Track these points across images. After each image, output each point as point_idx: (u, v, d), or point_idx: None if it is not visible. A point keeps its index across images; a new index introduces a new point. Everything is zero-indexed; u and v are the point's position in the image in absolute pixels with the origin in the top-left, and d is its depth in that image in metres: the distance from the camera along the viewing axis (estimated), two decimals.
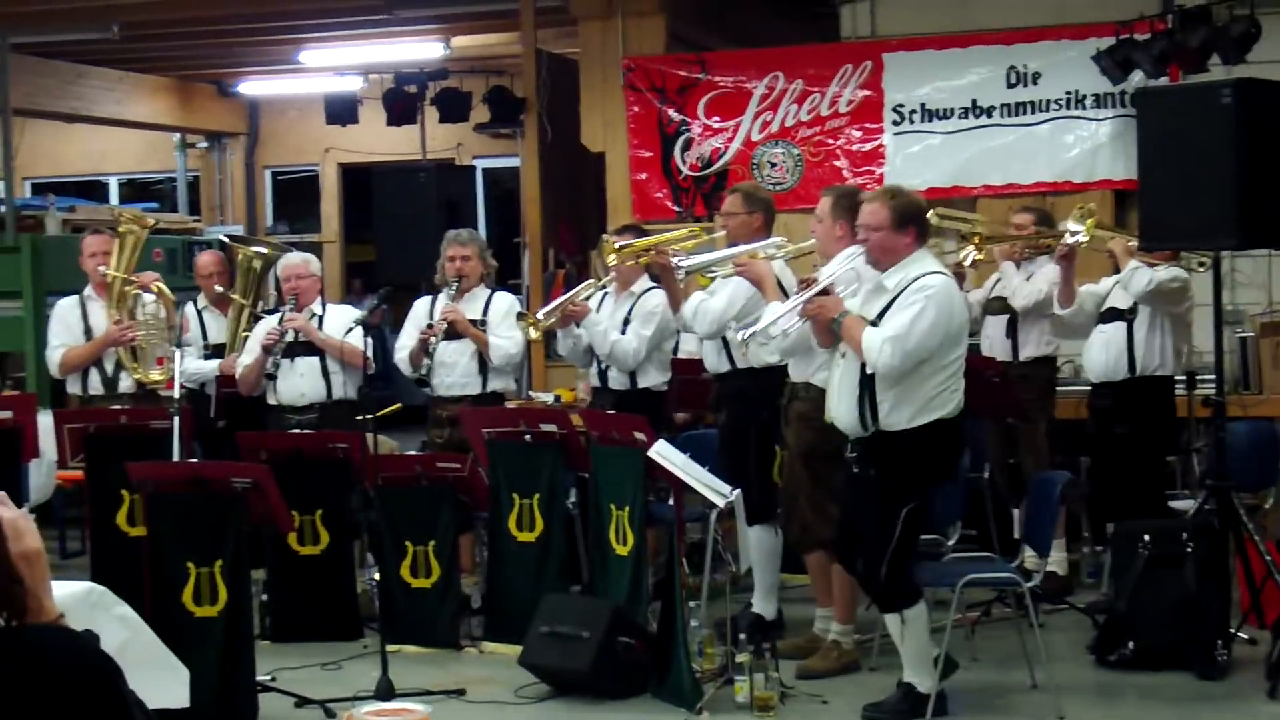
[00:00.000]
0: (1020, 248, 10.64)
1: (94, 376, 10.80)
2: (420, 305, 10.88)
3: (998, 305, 10.76)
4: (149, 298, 10.83)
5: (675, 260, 9.09)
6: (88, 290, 10.95)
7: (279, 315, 10.82)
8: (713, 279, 9.27)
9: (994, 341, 10.73)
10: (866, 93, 13.31)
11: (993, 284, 10.93)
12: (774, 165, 13.53)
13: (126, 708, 3.05)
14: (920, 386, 7.71)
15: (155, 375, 10.63)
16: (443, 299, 10.68)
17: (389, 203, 15.69)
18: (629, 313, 10.27)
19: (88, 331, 10.85)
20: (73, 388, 11.04)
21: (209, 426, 11.03)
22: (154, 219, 11.30)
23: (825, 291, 8.04)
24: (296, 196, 22.89)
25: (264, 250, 11.82)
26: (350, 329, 10.46)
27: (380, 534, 9.83)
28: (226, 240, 13.32)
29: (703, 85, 13.77)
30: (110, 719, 3.02)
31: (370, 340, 9.71)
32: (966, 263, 10.47)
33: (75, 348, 10.79)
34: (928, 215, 8.13)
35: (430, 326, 10.58)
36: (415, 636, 9.63)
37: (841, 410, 7.86)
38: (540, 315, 10.49)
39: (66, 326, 10.91)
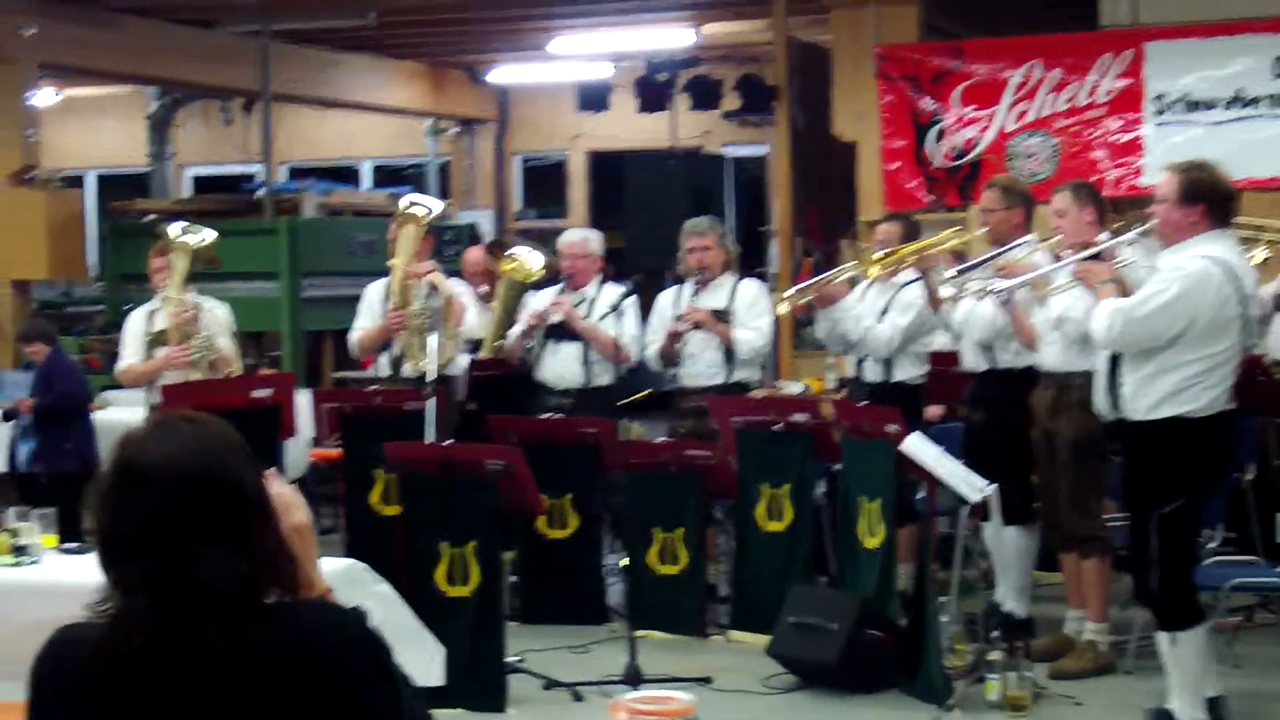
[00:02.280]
0: None
1: (383, 360, 10.90)
2: (665, 298, 10.87)
3: None
4: (440, 285, 10.86)
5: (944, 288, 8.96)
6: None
7: (555, 291, 10.84)
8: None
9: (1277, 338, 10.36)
10: (1126, 82, 13.07)
11: None
12: (1029, 156, 13.34)
13: (396, 684, 3.07)
14: (1163, 376, 7.34)
15: (424, 364, 10.72)
16: (686, 295, 10.62)
17: (639, 190, 15.73)
18: (888, 303, 10.16)
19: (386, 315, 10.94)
20: (374, 370, 11.17)
21: (461, 409, 11.13)
22: (439, 208, 11.33)
23: (1098, 257, 7.88)
24: (544, 182, 23.03)
25: (523, 265, 11.74)
26: (619, 308, 10.39)
27: (628, 520, 9.85)
28: (488, 242, 13.41)
29: (957, 74, 13.61)
30: (381, 695, 3.03)
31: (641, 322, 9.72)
32: (1257, 260, 10.08)
33: (368, 331, 10.89)
34: (1229, 198, 7.55)
35: (679, 319, 10.53)
36: (661, 623, 9.63)
37: (1097, 389, 7.68)
38: (793, 291, 10.42)
39: (369, 308, 10.98)
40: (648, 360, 10.72)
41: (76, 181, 20.71)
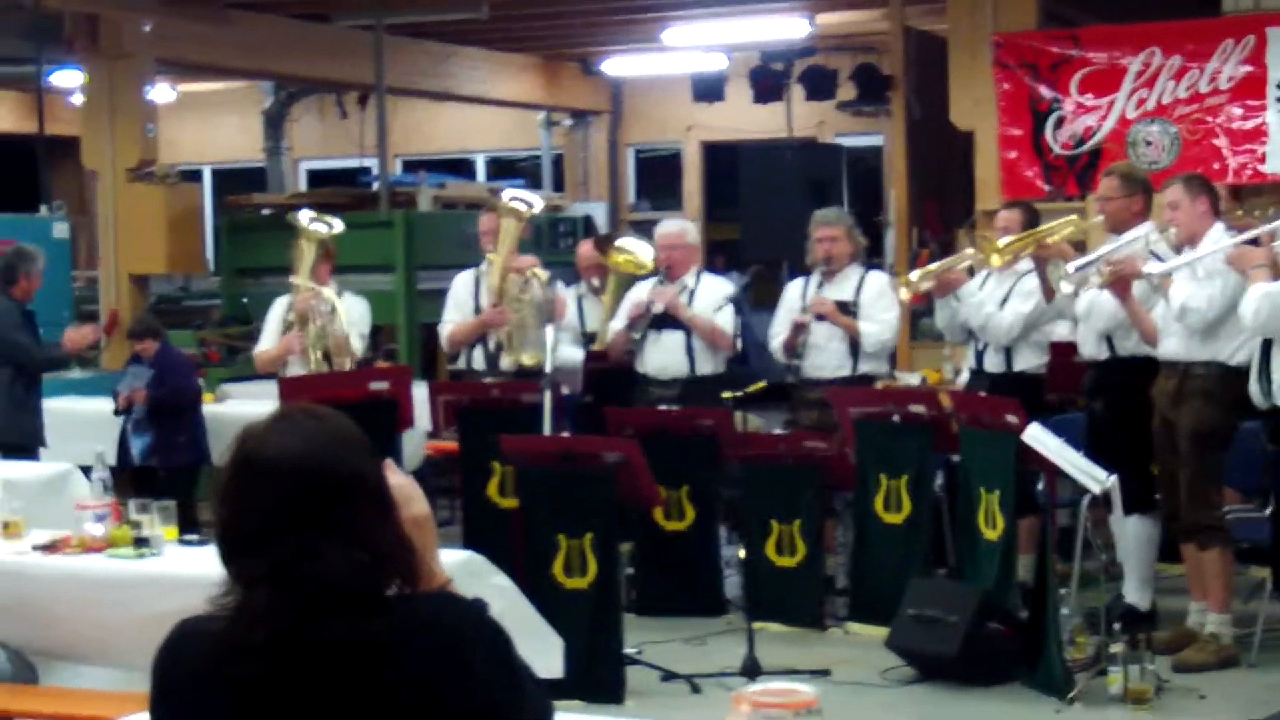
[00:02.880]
0: None
1: (478, 353, 10.91)
2: (792, 289, 10.80)
3: None
4: (540, 277, 10.87)
5: (1143, 268, 8.87)
6: (484, 265, 11.04)
7: (652, 282, 10.84)
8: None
9: None
10: (1249, 69, 12.89)
11: None
12: (1149, 144, 13.19)
13: (518, 675, 3.06)
14: None
15: (526, 359, 10.73)
16: (813, 286, 10.57)
17: (753, 181, 15.69)
18: (1009, 291, 10.07)
19: (478, 308, 10.93)
20: (461, 362, 11.19)
21: (576, 401, 11.13)
22: (540, 204, 11.36)
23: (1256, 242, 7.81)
24: (658, 174, 23.04)
25: (633, 257, 11.74)
26: (720, 306, 10.41)
27: (746, 512, 9.82)
28: (598, 235, 13.42)
29: (1075, 62, 13.48)
30: (504, 686, 3.02)
31: (738, 319, 9.71)
32: None
33: (462, 324, 10.92)
34: None
35: (804, 310, 10.49)
36: (779, 615, 9.59)
37: (1251, 378, 7.61)
38: (915, 275, 10.35)
39: (458, 302, 11.01)
40: (773, 352, 10.66)
41: (194, 176, 20.93)
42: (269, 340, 11.00)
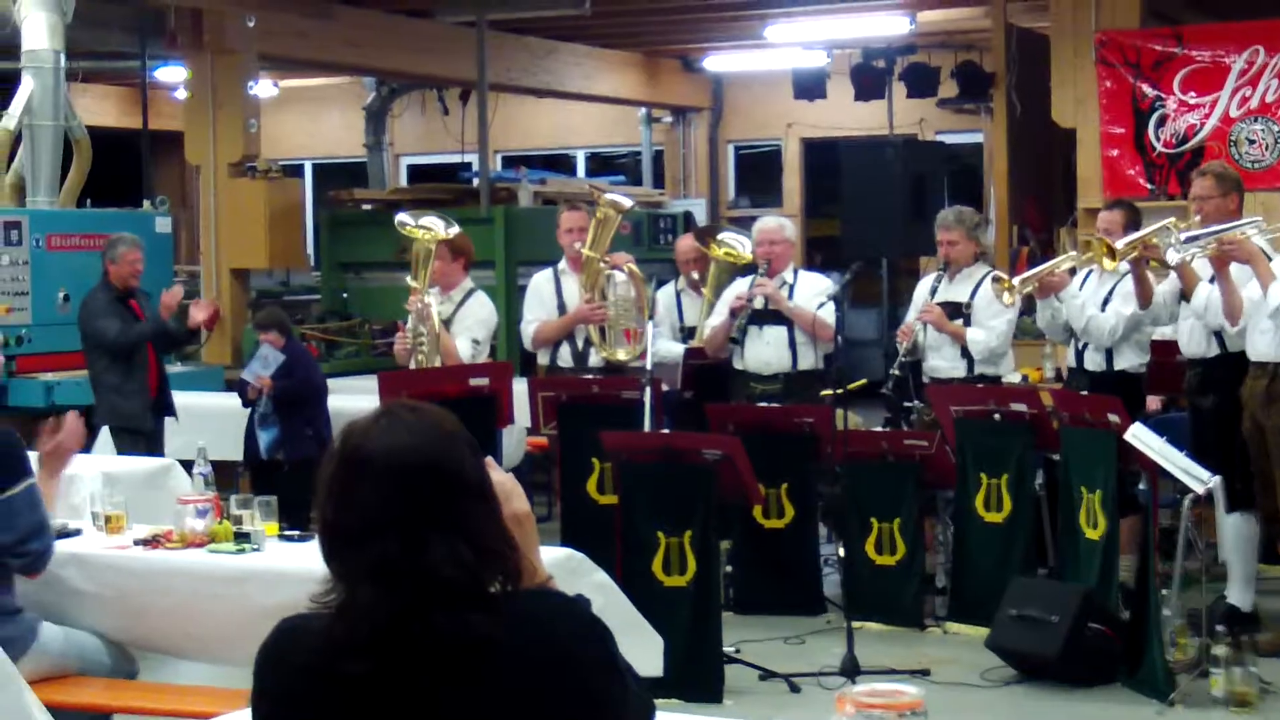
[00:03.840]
0: None
1: (564, 350, 10.94)
2: (922, 288, 10.77)
3: None
4: (620, 277, 10.89)
5: (1170, 251, 8.83)
6: (562, 264, 11.07)
7: (750, 279, 10.83)
8: None
9: None
10: None
11: None
12: (1252, 143, 13.05)
13: (621, 672, 3.06)
14: None
15: (621, 354, 10.74)
16: (938, 286, 10.56)
17: (854, 178, 15.60)
18: (1110, 291, 9.99)
19: (561, 307, 10.97)
20: (542, 359, 11.21)
21: (676, 398, 11.14)
22: (630, 203, 11.38)
23: None
24: (758, 170, 23.01)
25: (733, 250, 11.74)
26: (822, 303, 10.39)
27: (845, 510, 9.79)
28: (699, 228, 13.42)
29: (1179, 60, 13.35)
30: (608, 682, 3.03)
31: (838, 315, 9.69)
32: None
33: (548, 323, 10.94)
34: None
35: (924, 310, 10.46)
36: (878, 614, 9.56)
37: None
38: (1017, 281, 10.30)
39: (540, 300, 11.07)
40: (899, 350, 10.61)
41: (295, 171, 21.05)
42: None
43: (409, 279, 10.66)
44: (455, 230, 10.74)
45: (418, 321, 10.46)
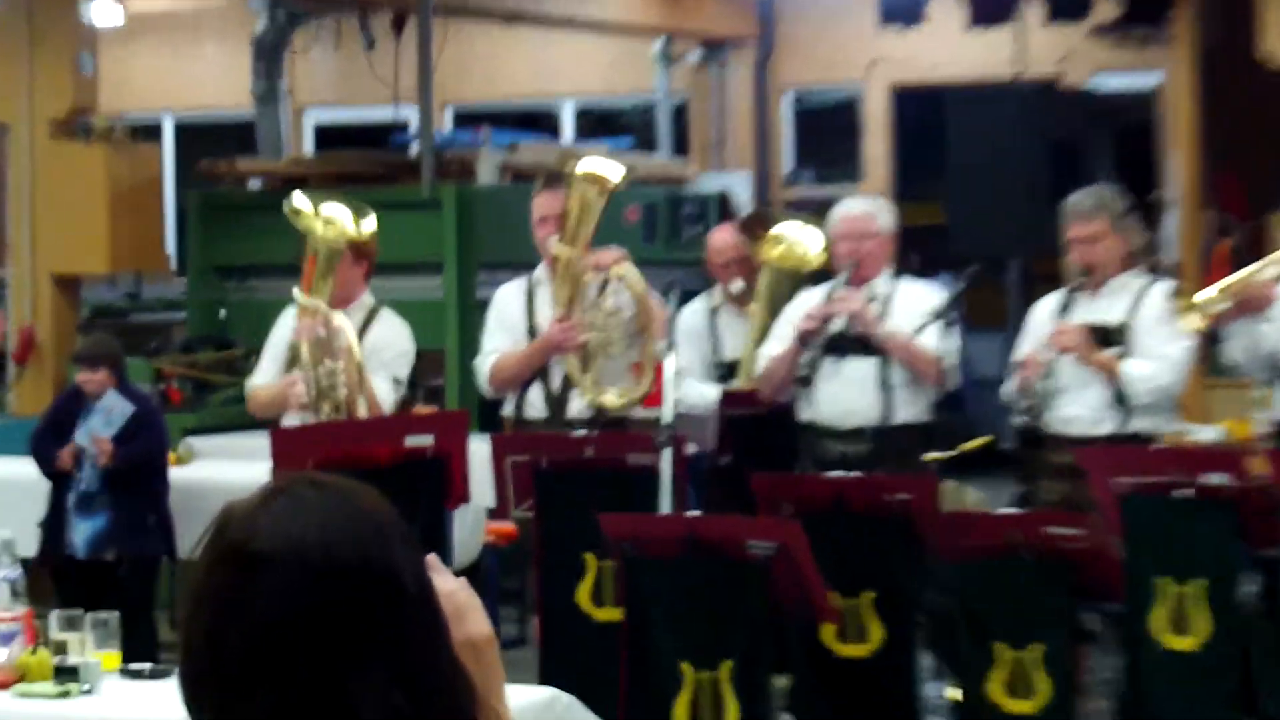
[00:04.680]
0: None
1: (534, 394, 10.91)
2: (1042, 309, 10.85)
3: None
4: (614, 284, 10.84)
5: None
6: (540, 270, 11.06)
7: (826, 289, 10.79)
8: None
9: None
10: None
11: None
12: None
13: None
14: None
15: (612, 398, 10.70)
16: (1072, 304, 10.53)
17: (966, 142, 15.66)
18: None
19: (533, 330, 10.95)
20: (506, 409, 11.19)
21: (708, 463, 11.07)
22: (619, 172, 11.31)
23: None
24: (827, 131, 23.09)
25: (795, 249, 11.72)
26: (925, 324, 10.35)
27: (958, 631, 9.73)
28: (743, 217, 13.42)
29: None
30: None
31: (952, 343, 9.69)
32: None
33: (510, 354, 10.91)
34: None
35: (1059, 332, 10.43)
36: None
37: None
38: (1201, 298, 10.27)
39: (504, 322, 11.09)
40: (1003, 396, 10.58)
41: (151, 133, 21.03)
42: (268, 372, 11.03)
43: (296, 292, 10.62)
44: (371, 224, 10.73)
45: (317, 357, 10.41)
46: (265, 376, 11.01)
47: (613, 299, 10.86)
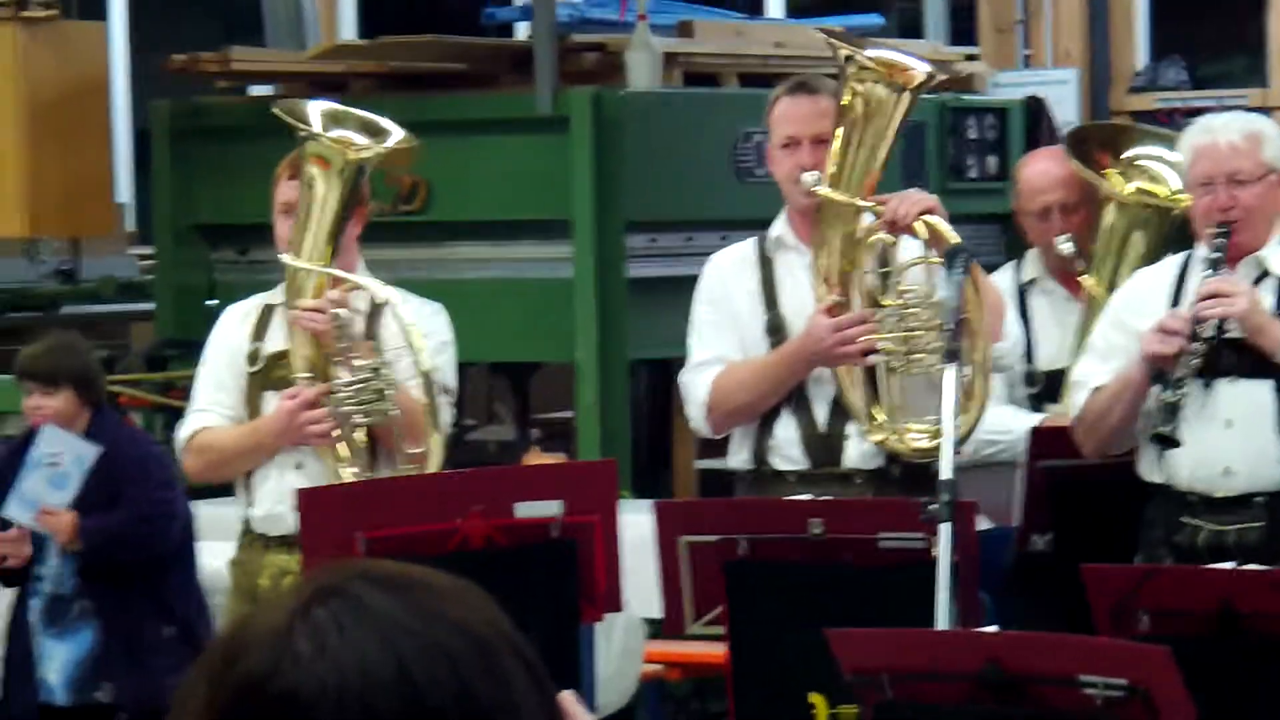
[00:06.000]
0: None
1: (786, 431, 10.99)
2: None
3: None
4: (915, 247, 10.85)
5: None
6: (778, 228, 11.16)
7: (1179, 266, 10.86)
8: None
9: None
10: None
11: None
12: None
13: None
14: None
15: (919, 439, 10.75)
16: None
17: None
18: None
19: (775, 327, 10.99)
20: (736, 458, 11.26)
21: (1010, 546, 11.16)
22: (927, 70, 11.37)
23: None
24: (1206, 6, 23.11)
25: (1158, 187, 11.80)
26: None
27: None
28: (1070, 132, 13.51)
29: None
30: None
31: None
32: None
33: (746, 364, 10.97)
34: None
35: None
36: None
37: None
38: None
39: (727, 317, 11.12)
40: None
41: (94, 9, 21.23)
42: (219, 407, 11.08)
43: (286, 257, 10.74)
44: (401, 138, 10.86)
45: (340, 356, 10.54)
46: (216, 414, 11.01)
47: (916, 271, 10.88)
